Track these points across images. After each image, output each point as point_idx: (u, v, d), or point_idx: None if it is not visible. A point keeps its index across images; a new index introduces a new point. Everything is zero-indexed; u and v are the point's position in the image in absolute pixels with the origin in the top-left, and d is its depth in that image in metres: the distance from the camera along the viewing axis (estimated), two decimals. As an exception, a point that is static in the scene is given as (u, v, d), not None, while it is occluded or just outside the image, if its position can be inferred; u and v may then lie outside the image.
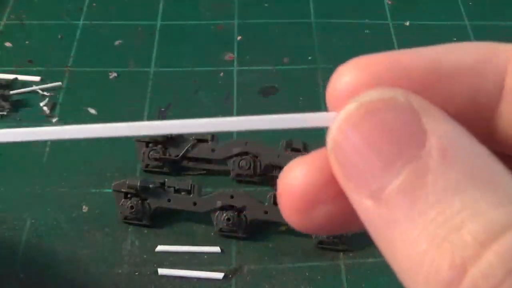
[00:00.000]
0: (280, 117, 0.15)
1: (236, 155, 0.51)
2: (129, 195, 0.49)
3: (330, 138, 0.14)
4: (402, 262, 0.12)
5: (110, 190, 0.50)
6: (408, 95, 0.13)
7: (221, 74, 0.62)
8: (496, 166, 0.12)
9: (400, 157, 0.12)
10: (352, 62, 0.15)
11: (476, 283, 0.11)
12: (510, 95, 0.14)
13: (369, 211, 0.13)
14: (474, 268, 0.11)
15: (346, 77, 0.15)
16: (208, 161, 0.53)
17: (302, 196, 0.15)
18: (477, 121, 0.14)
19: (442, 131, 0.12)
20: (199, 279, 0.47)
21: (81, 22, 0.67)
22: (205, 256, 0.48)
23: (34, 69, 0.62)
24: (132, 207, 0.48)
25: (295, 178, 0.15)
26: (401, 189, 0.12)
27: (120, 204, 0.49)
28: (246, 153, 0.52)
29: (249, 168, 0.51)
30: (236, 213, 0.48)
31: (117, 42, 0.65)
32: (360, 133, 0.13)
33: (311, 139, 0.53)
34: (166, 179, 0.50)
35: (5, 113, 0.57)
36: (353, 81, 0.15)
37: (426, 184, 0.12)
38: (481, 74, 0.14)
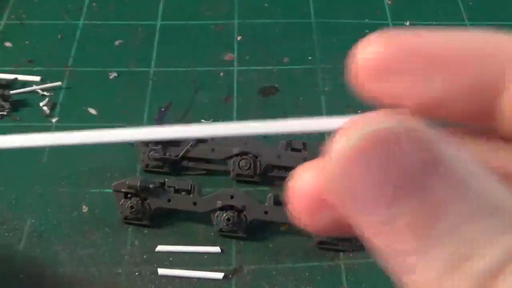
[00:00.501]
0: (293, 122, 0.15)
1: (236, 155, 0.51)
2: (129, 195, 0.49)
3: (333, 163, 0.13)
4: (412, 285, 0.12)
5: (110, 190, 0.50)
6: (420, 123, 0.13)
7: (221, 74, 0.62)
8: (503, 190, 0.12)
9: (411, 188, 0.12)
10: (380, 35, 0.15)
11: None
12: None
13: (376, 239, 0.12)
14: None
15: (373, 48, 0.15)
16: (208, 161, 0.53)
17: (312, 200, 0.15)
18: (481, 104, 0.14)
19: (455, 157, 0.12)
20: (199, 279, 0.47)
21: (81, 22, 0.67)
22: (205, 256, 0.48)
23: (34, 69, 0.62)
24: (132, 207, 0.48)
25: (304, 182, 0.15)
26: (412, 221, 0.12)
27: (120, 204, 0.49)
28: (246, 153, 0.52)
29: (249, 168, 0.51)
30: (236, 213, 0.48)
31: (117, 42, 0.65)
32: (367, 165, 0.12)
33: (311, 139, 0.53)
34: (166, 179, 0.50)
35: (5, 113, 0.57)
36: (378, 55, 0.15)
37: (439, 212, 0.12)
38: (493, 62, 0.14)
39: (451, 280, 0.11)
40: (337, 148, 0.13)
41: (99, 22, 0.67)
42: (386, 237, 0.12)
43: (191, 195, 0.49)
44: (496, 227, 0.11)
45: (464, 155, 0.12)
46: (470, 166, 0.12)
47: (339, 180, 0.13)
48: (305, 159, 0.51)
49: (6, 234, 0.49)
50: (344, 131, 0.13)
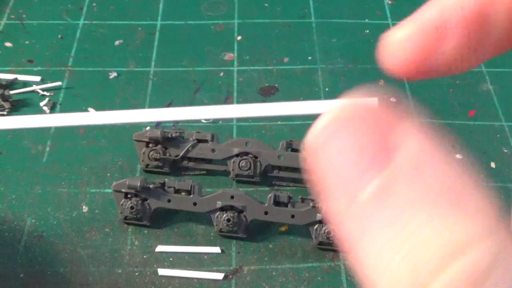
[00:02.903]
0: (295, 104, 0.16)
1: (236, 155, 0.51)
2: (129, 195, 0.49)
3: (308, 142, 0.14)
4: (368, 268, 0.12)
5: (110, 190, 0.50)
6: (384, 107, 0.13)
7: (221, 74, 0.62)
8: (465, 181, 0.12)
9: (373, 166, 0.13)
10: (406, 22, 0.16)
11: None
12: None
13: (343, 214, 0.13)
14: (432, 286, 0.11)
15: (401, 33, 0.16)
16: (208, 161, 0.53)
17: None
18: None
19: (412, 145, 0.13)
20: (199, 279, 0.47)
21: (81, 22, 0.67)
22: (205, 257, 0.48)
23: (34, 69, 0.62)
24: (132, 207, 0.48)
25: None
26: (372, 197, 0.12)
27: (120, 204, 0.49)
28: (246, 154, 0.52)
29: (249, 168, 0.51)
30: (236, 213, 0.48)
31: (117, 42, 0.65)
32: (336, 142, 0.13)
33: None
34: (166, 179, 0.50)
35: (5, 113, 0.57)
36: (407, 37, 0.16)
37: (394, 195, 0.12)
38: None
39: (402, 264, 0.11)
40: (314, 127, 0.14)
41: (99, 22, 0.67)
42: (351, 219, 0.13)
43: (191, 196, 0.49)
44: (445, 217, 0.11)
45: (429, 142, 0.13)
46: (426, 153, 0.12)
47: (316, 154, 0.14)
48: (305, 159, 0.51)
49: (6, 234, 0.49)
50: (324, 114, 0.14)
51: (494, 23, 0.15)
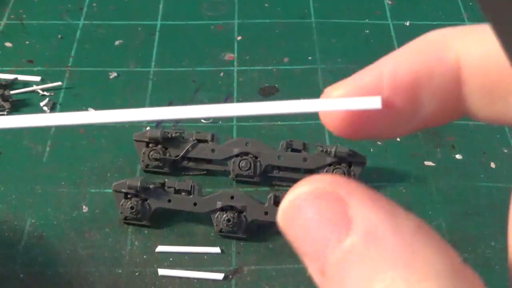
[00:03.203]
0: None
1: (236, 155, 0.51)
2: (129, 196, 0.49)
3: (279, 217, 0.16)
4: None
5: (110, 190, 0.50)
6: (336, 184, 0.15)
7: (221, 74, 0.62)
8: (419, 243, 0.13)
9: (332, 239, 0.14)
10: (338, 83, 0.17)
11: None
12: (471, 86, 0.15)
13: (317, 280, 0.15)
14: None
15: (336, 92, 0.17)
16: (208, 161, 0.53)
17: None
18: (446, 101, 0.16)
19: (366, 216, 0.14)
20: (199, 280, 0.47)
21: (81, 22, 0.67)
22: (205, 257, 0.48)
23: (34, 69, 0.62)
24: (132, 208, 0.48)
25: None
26: (334, 268, 0.14)
27: (120, 204, 0.49)
28: (246, 154, 0.52)
29: (249, 168, 0.51)
30: (236, 213, 0.48)
31: (117, 42, 0.65)
32: (298, 220, 0.15)
33: (311, 140, 0.53)
34: (166, 180, 0.50)
35: (5, 113, 0.57)
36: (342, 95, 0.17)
37: (353, 265, 0.14)
38: (435, 76, 0.15)
39: None
40: (289, 196, 0.16)
41: (99, 22, 0.67)
42: (324, 278, 0.14)
43: (191, 196, 0.49)
44: (403, 280, 0.13)
45: (381, 210, 0.14)
46: (385, 221, 0.14)
47: (287, 227, 0.16)
48: (305, 159, 0.51)
49: (7, 234, 0.49)
50: (297, 186, 0.16)
51: (427, 97, 0.16)
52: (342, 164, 0.50)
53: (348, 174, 0.50)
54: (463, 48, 0.15)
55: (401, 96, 0.16)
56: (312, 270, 0.15)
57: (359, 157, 0.51)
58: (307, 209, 0.15)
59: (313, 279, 0.15)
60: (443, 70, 0.15)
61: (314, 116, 0.59)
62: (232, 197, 0.48)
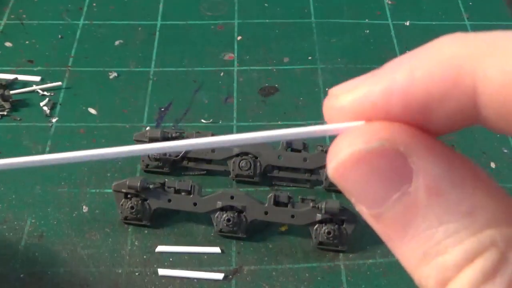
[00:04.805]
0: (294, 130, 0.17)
1: (236, 155, 0.52)
2: (129, 196, 0.49)
3: (332, 170, 0.16)
4: (404, 262, 0.15)
5: (110, 190, 0.50)
6: (395, 139, 0.15)
7: (221, 74, 0.62)
8: (475, 197, 0.14)
9: (394, 192, 0.15)
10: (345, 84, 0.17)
11: None
12: (487, 111, 0.15)
13: (372, 224, 0.16)
14: (452, 286, 0.14)
15: (344, 99, 0.17)
16: (208, 161, 0.53)
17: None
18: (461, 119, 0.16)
19: (427, 169, 0.15)
20: (199, 280, 0.47)
21: (81, 22, 0.67)
22: (205, 257, 0.48)
23: (34, 69, 0.62)
24: (132, 208, 0.48)
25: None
26: (394, 218, 0.15)
27: (120, 204, 0.49)
28: (246, 154, 0.52)
29: (249, 168, 0.51)
30: (236, 213, 0.48)
31: (117, 42, 0.65)
32: (355, 174, 0.15)
33: (311, 140, 0.53)
34: (166, 179, 0.50)
35: (5, 113, 0.57)
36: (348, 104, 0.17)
37: (416, 215, 0.15)
38: (449, 99, 0.15)
39: (425, 269, 0.14)
40: (345, 152, 0.16)
41: (99, 22, 0.67)
42: (378, 226, 0.15)
43: (191, 196, 0.49)
44: (465, 229, 0.14)
45: (441, 164, 0.15)
46: (446, 173, 0.15)
47: (343, 180, 0.16)
48: (305, 159, 0.51)
49: (7, 233, 0.49)
50: (349, 137, 0.16)
51: (439, 115, 0.15)
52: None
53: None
54: (480, 72, 0.14)
55: (410, 114, 0.15)
56: (365, 214, 0.16)
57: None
58: (365, 165, 0.15)
59: (365, 219, 0.16)
60: (458, 95, 0.15)
61: (314, 116, 0.59)
62: (232, 197, 0.48)
